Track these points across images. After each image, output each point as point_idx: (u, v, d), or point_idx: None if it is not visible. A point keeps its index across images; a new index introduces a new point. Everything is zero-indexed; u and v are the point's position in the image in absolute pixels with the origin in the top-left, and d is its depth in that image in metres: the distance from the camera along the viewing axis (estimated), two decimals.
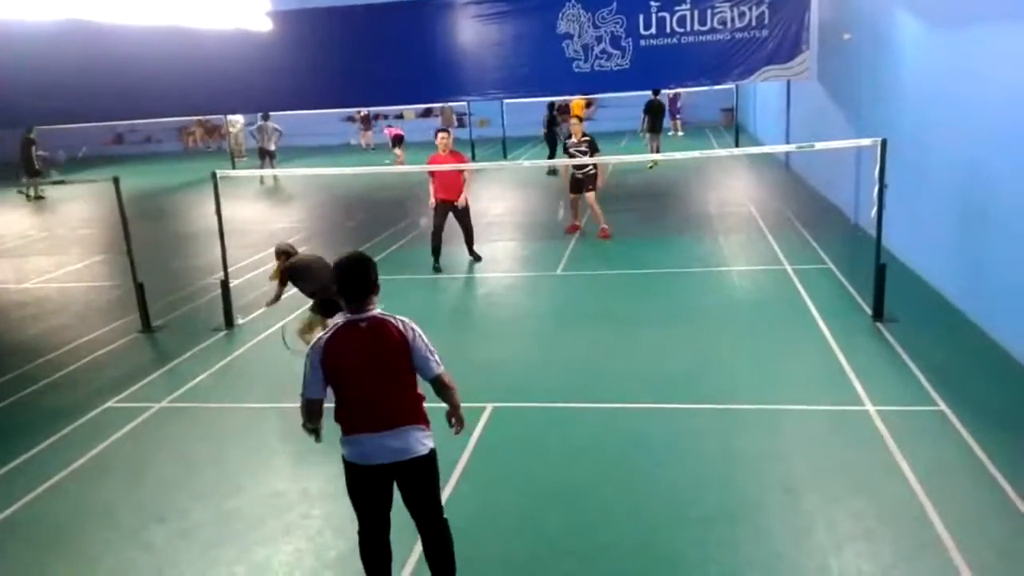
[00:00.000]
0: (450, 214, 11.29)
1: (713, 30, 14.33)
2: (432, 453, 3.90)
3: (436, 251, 11.28)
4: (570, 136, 12.95)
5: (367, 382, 3.74)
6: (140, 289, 9.15)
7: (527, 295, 10.16)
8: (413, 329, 3.81)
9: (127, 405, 7.13)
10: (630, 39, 14.60)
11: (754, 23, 14.13)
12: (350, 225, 15.67)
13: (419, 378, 3.89)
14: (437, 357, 3.86)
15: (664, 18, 14.38)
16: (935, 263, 8.87)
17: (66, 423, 6.76)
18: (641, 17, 14.41)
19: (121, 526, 5.14)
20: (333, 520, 5.04)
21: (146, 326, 9.18)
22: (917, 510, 4.78)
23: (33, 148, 21.90)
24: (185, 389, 7.41)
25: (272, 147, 21.71)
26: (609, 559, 4.53)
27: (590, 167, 12.59)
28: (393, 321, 3.79)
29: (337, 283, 3.78)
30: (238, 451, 6.13)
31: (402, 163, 22.65)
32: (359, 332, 3.74)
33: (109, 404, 7.16)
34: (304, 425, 3.97)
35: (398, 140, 24.25)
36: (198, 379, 7.61)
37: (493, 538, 4.76)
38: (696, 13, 14.25)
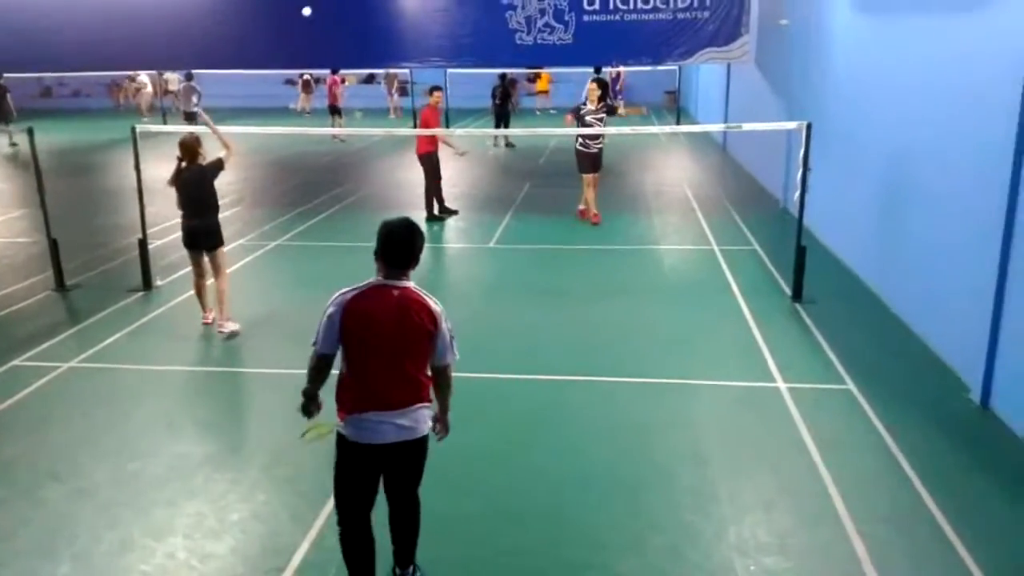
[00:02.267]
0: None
1: (655, 9, 14.30)
2: (428, 433, 3.76)
3: (433, 202, 12.35)
4: (584, 103, 11.66)
5: (385, 355, 3.52)
6: (54, 245, 8.83)
7: (459, 267, 10.12)
8: (442, 311, 3.61)
9: (35, 364, 6.89)
10: (573, 13, 14.49)
11: (695, 4, 14.15)
12: (284, 189, 15.35)
13: None
14: (456, 345, 3.71)
15: None
16: (855, 247, 9.09)
17: None
18: None
19: (16, 484, 4.98)
20: (238, 485, 4.97)
21: (60, 284, 8.87)
22: (817, 483, 4.91)
23: (8, 94, 21.24)
24: (96, 349, 7.18)
25: (193, 109, 20.74)
26: (518, 520, 4.58)
27: (601, 139, 11.67)
28: (426, 300, 3.57)
29: (380, 245, 3.56)
30: (146, 413, 5.97)
31: (337, 136, 21.39)
32: (389, 299, 3.51)
33: (16, 362, 6.91)
34: (304, 392, 3.67)
35: (335, 110, 22.53)
36: (110, 339, 7.39)
37: None
38: None
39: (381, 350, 3.52)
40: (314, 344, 3.59)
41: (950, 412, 5.86)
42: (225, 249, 7.70)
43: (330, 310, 3.52)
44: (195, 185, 7.34)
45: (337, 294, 3.57)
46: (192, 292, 7.85)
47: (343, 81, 23.05)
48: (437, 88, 12.61)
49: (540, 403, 6.11)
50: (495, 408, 5.99)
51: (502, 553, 4.33)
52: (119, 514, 4.65)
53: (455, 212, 12.65)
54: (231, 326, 7.45)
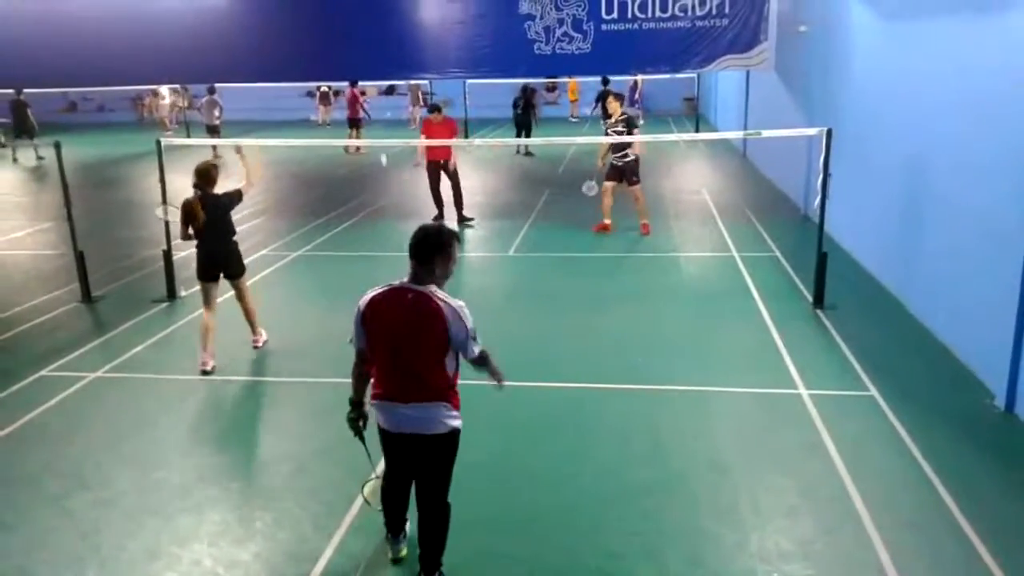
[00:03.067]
0: (442, 173, 12.70)
1: (674, 17, 14.32)
2: (453, 433, 3.88)
3: (439, 204, 12.88)
4: (609, 116, 11.58)
5: (399, 351, 3.76)
6: (80, 258, 8.97)
7: (478, 275, 10.14)
8: (457, 311, 3.73)
9: (61, 374, 6.99)
10: (592, 23, 14.54)
11: (715, 11, 14.16)
12: (305, 200, 15.49)
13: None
14: (478, 340, 3.87)
15: (626, 3, 14.32)
16: (876, 253, 9.04)
17: None
18: (603, 1, 14.36)
19: (43, 492, 5.05)
20: (261, 493, 5.01)
21: (86, 296, 9.00)
22: (840, 489, 4.88)
23: (29, 109, 21.55)
24: (122, 359, 7.28)
25: (215, 122, 21.07)
26: (533, 528, 4.57)
27: (628, 153, 11.40)
28: (439, 302, 3.71)
29: (409, 246, 3.81)
30: (169, 422, 6.04)
31: (357, 149, 21.25)
32: (403, 300, 3.74)
33: (43, 373, 7.02)
34: (350, 399, 4.03)
35: (355, 122, 22.05)
36: (135, 350, 7.48)
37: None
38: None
39: (390, 347, 3.77)
40: (350, 341, 3.90)
41: (974, 418, 5.80)
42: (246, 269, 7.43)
43: (358, 307, 3.81)
44: (214, 214, 6.95)
45: (367, 292, 3.83)
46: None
47: (364, 94, 23.02)
48: (435, 107, 13.04)
49: (557, 410, 6.11)
50: (511, 415, 6.00)
51: (516, 561, 4.33)
52: (145, 522, 4.71)
53: (471, 220, 12.84)
54: (264, 336, 7.51)
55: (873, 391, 6.20)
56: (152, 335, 7.84)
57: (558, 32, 14.70)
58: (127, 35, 14.83)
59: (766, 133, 9.78)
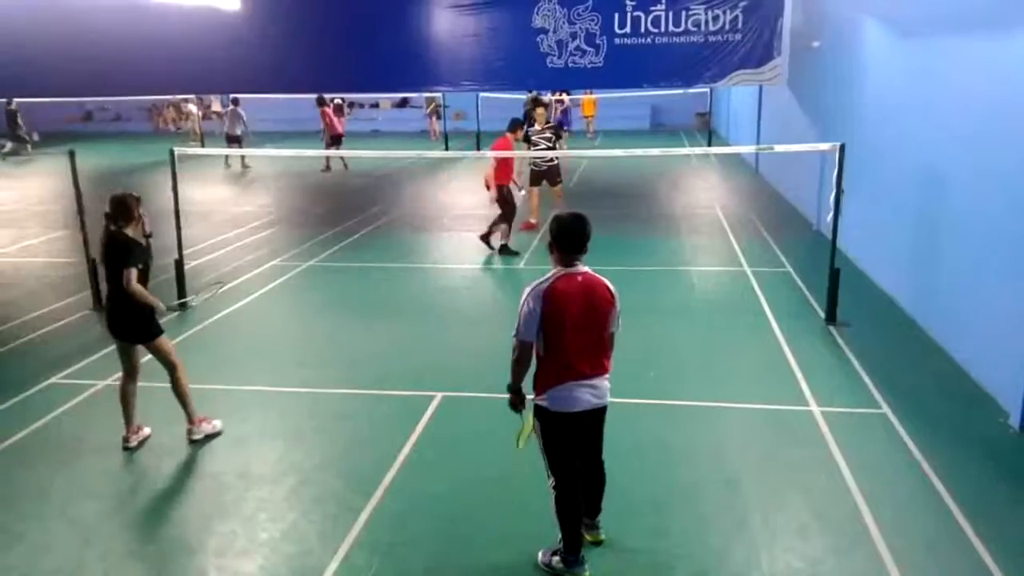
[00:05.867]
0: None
1: (687, 32, 14.35)
2: None
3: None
4: (533, 123, 12.69)
5: (581, 331, 4.08)
6: (92, 265, 9.01)
7: (488, 287, 10.13)
8: (612, 287, 4.18)
9: (71, 382, 7.01)
10: (604, 37, 14.58)
11: (728, 27, 14.17)
12: (319, 210, 15.54)
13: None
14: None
15: (639, 18, 14.36)
16: (890, 269, 8.97)
17: (7, 398, 6.64)
18: (616, 16, 14.39)
19: (51, 500, 5.05)
20: (268, 504, 4.99)
21: (97, 303, 9.03)
22: (851, 508, 4.82)
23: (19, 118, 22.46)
24: None
25: (237, 132, 21.11)
26: (541, 543, 4.50)
27: (553, 159, 12.63)
28: (604, 280, 4.17)
29: (555, 236, 4.17)
30: (177, 432, 6.00)
31: (345, 166, 20.68)
32: (576, 283, 4.09)
33: (53, 380, 7.04)
34: (510, 387, 4.25)
35: (336, 139, 20.86)
36: (145, 359, 7.43)
37: (426, 524, 4.74)
38: (671, 14, 14.25)
39: (575, 328, 4.07)
40: (516, 335, 4.13)
41: (988, 437, 5.73)
42: (164, 336, 5.97)
43: (529, 303, 4.04)
44: (107, 258, 5.64)
45: (531, 288, 4.09)
46: (228, 312, 7.92)
47: (347, 104, 22.52)
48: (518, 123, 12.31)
49: None
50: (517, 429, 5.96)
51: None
52: (150, 532, 4.70)
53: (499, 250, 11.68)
54: (206, 427, 5.93)
55: (885, 409, 6.14)
56: None
57: (571, 46, 14.74)
58: (140, 46, 14.94)
59: (779, 148, 9.77)
